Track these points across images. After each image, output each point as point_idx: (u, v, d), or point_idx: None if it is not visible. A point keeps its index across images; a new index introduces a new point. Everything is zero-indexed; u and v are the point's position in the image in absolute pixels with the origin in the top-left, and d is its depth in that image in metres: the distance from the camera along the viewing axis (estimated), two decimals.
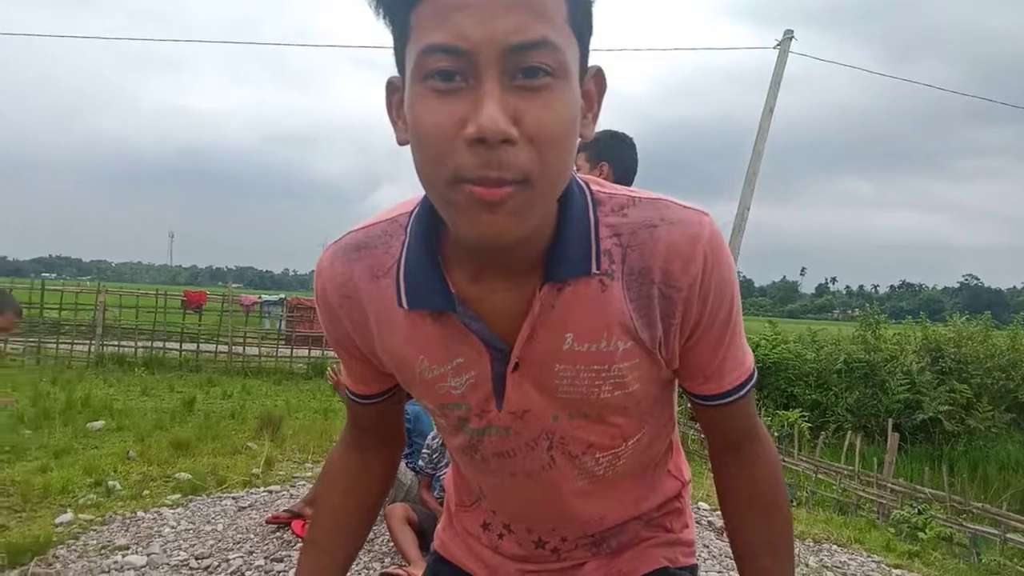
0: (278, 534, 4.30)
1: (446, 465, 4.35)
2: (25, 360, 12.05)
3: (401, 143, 0.77)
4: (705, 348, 0.90)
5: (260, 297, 19.27)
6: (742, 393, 0.95)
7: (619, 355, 0.86)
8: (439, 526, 1.27)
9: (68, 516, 4.43)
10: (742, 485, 1.02)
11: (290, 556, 3.98)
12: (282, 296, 19.26)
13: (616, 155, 3.18)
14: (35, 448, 6.07)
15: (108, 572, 3.67)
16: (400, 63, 0.75)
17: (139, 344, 12.85)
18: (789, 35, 12.71)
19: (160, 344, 13.04)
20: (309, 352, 13.32)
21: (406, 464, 4.14)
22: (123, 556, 3.88)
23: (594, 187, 0.86)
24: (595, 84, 0.79)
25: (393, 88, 0.78)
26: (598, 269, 0.82)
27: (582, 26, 0.73)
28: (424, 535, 3.84)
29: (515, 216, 0.70)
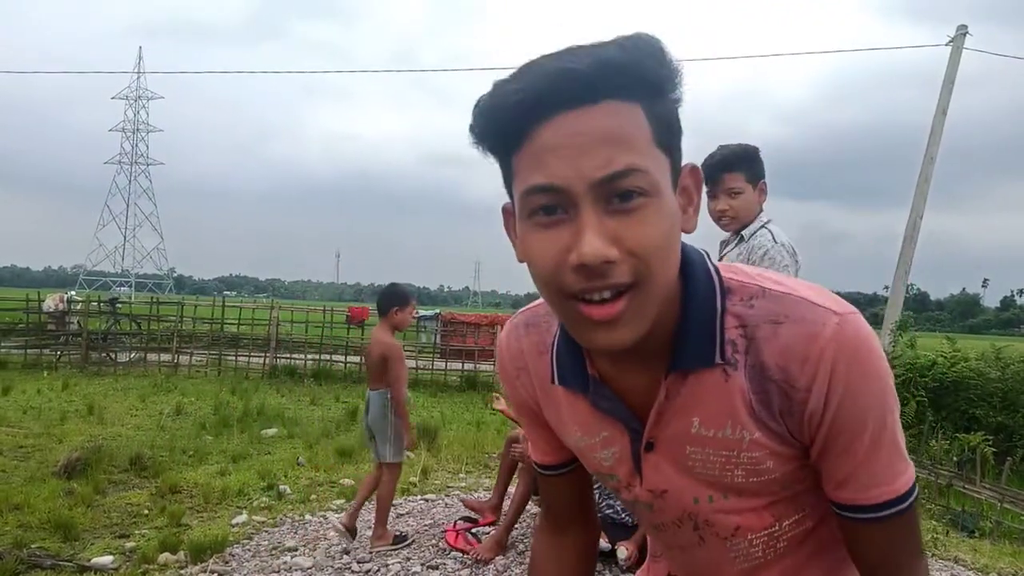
0: (434, 542, 4.41)
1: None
2: (208, 371, 13.11)
3: (520, 260, 0.83)
4: (833, 457, 0.84)
5: (417, 312, 19.93)
6: (885, 513, 0.84)
7: (746, 444, 0.86)
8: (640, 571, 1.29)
9: (243, 517, 4.74)
10: None
11: (445, 564, 4.07)
12: (437, 311, 19.85)
13: (763, 168, 3.08)
14: (215, 453, 6.57)
15: (278, 572, 3.89)
16: (510, 193, 0.82)
17: (308, 357, 13.64)
18: (962, 31, 11.93)
19: (327, 357, 13.77)
20: (463, 365, 13.65)
21: None
22: (292, 557, 4.10)
23: (727, 275, 0.87)
24: (691, 179, 0.83)
25: (507, 213, 0.86)
26: (721, 359, 0.84)
27: (669, 139, 0.77)
28: None
29: (629, 326, 0.76)
